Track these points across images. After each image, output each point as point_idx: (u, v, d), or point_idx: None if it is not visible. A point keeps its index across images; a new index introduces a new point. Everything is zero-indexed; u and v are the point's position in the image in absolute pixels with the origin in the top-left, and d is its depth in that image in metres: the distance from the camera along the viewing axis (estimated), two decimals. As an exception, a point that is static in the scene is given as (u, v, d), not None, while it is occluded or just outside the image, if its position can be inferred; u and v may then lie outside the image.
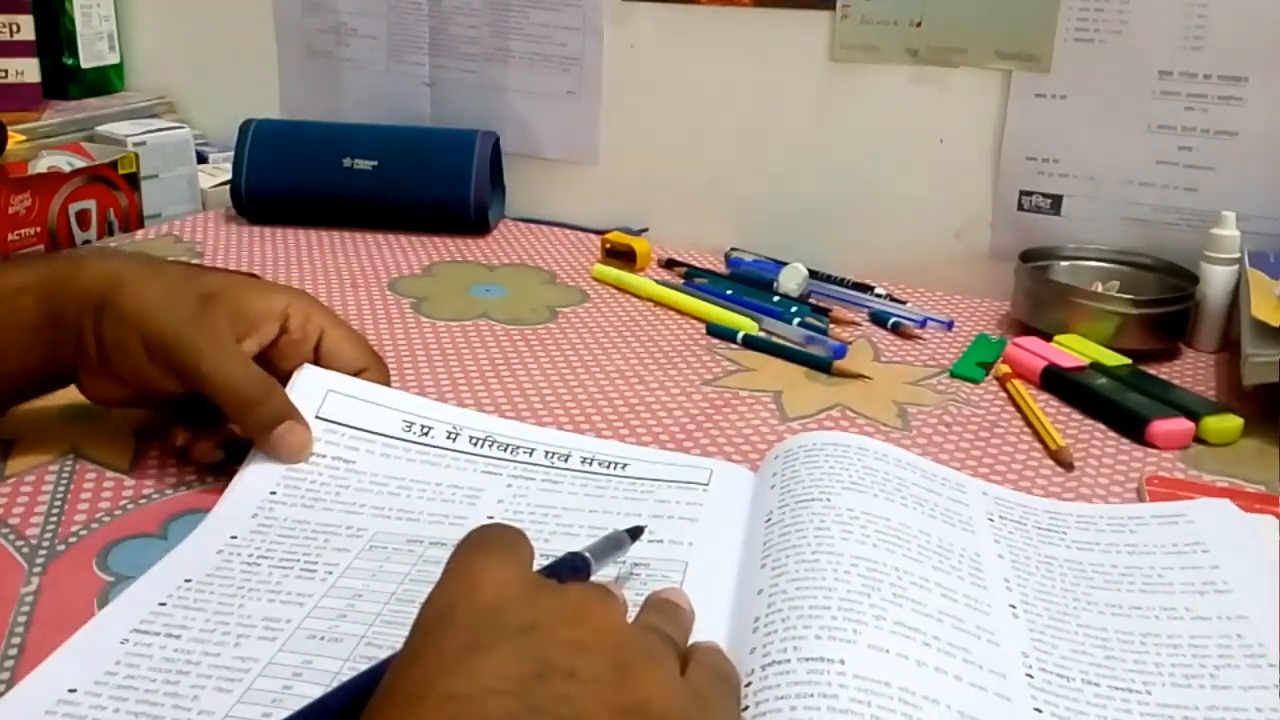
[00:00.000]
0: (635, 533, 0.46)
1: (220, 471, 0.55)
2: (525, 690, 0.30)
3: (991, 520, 0.51)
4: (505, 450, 0.56)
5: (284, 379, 0.56)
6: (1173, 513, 0.52)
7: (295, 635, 0.41)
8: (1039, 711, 0.38)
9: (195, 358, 0.52)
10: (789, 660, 0.37)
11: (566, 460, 0.56)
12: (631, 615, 0.40)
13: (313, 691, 0.38)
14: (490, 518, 0.50)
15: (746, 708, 0.36)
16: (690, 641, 0.39)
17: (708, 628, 0.42)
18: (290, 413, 0.54)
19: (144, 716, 0.37)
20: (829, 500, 0.47)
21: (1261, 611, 0.44)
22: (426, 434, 0.56)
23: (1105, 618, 0.45)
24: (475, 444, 0.56)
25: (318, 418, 0.55)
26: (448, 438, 0.56)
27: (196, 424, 0.56)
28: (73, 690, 0.38)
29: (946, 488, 0.52)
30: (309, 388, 0.56)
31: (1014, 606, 0.44)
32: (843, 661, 0.37)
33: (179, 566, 0.45)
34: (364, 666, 0.39)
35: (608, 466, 0.55)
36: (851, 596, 0.40)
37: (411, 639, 0.33)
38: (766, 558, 0.45)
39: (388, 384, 0.61)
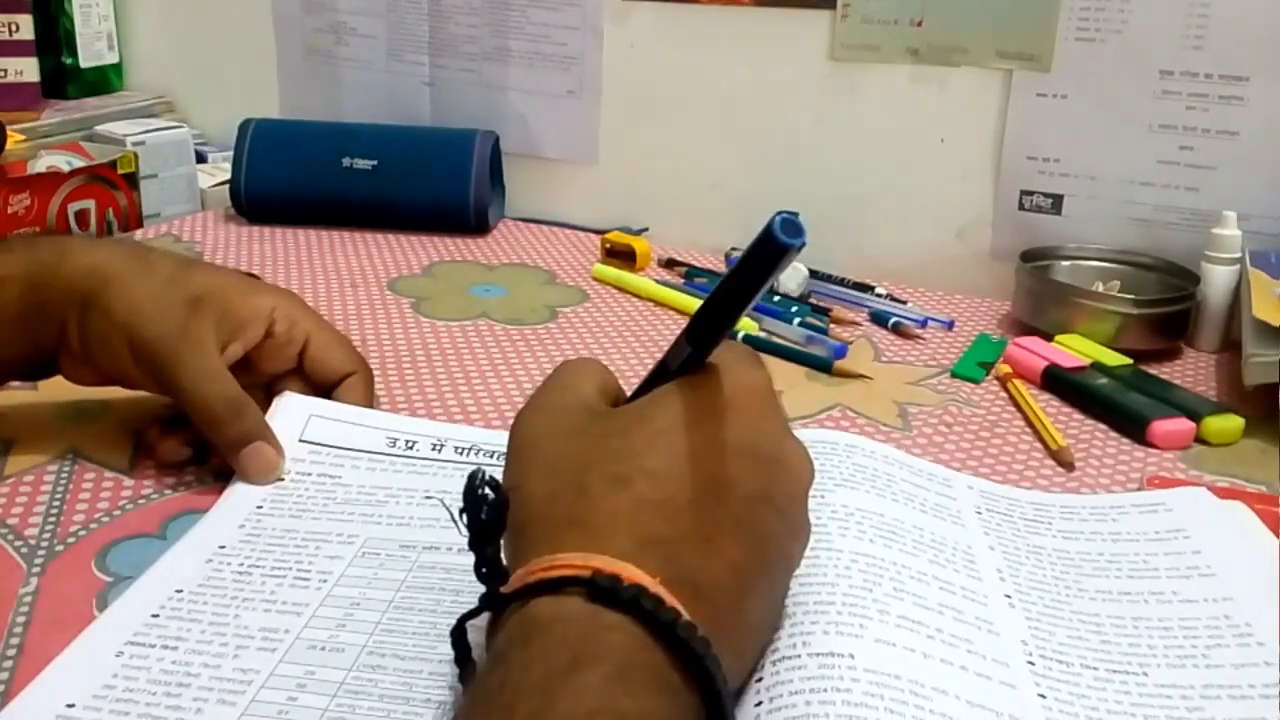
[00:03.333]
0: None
1: (218, 470, 0.55)
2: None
3: (979, 513, 0.52)
4: (492, 457, 0.56)
5: (269, 382, 0.56)
6: (1152, 502, 0.54)
7: (295, 645, 0.41)
8: (1043, 697, 0.39)
9: (175, 371, 0.52)
10: (799, 655, 0.38)
11: None
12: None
13: (317, 702, 0.38)
14: None
15: (760, 703, 0.36)
16: None
17: None
18: (260, 434, 0.53)
19: None
20: (823, 497, 0.48)
21: (1247, 593, 0.45)
22: (411, 448, 0.56)
23: (1097, 604, 0.46)
24: (461, 453, 0.56)
25: (301, 441, 0.55)
26: (433, 449, 0.56)
27: (173, 420, 0.56)
28: (70, 705, 0.37)
29: (934, 482, 0.53)
30: (291, 413, 0.56)
31: (1009, 596, 0.45)
32: (852, 656, 0.37)
33: (168, 577, 0.45)
34: (367, 676, 0.39)
35: None
36: (854, 592, 0.41)
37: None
38: None
39: (372, 389, 0.60)
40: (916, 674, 0.37)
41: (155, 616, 0.42)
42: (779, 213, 0.33)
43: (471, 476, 0.35)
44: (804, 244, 0.33)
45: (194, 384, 0.52)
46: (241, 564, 0.46)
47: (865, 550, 0.44)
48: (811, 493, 0.48)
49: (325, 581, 0.45)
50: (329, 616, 0.43)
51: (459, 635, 0.35)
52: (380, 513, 0.51)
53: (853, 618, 0.39)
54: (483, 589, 0.34)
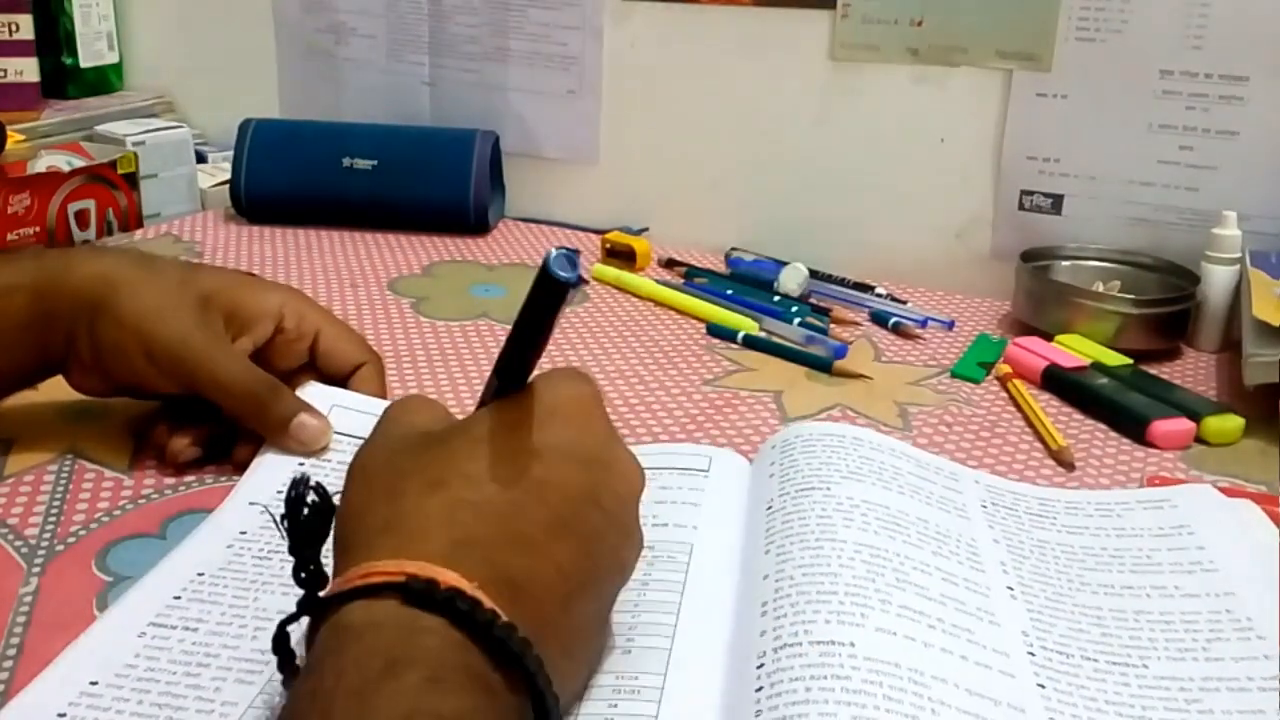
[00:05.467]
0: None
1: (218, 471, 0.55)
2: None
3: (985, 507, 0.52)
4: None
5: (281, 378, 0.56)
6: (1158, 498, 0.54)
7: None
8: (1042, 687, 0.40)
9: (205, 365, 0.52)
10: (800, 643, 0.38)
11: None
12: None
13: None
14: None
15: (761, 688, 0.37)
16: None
17: (714, 609, 0.43)
18: (301, 406, 0.54)
19: (167, 708, 0.37)
20: (829, 489, 0.48)
21: (1249, 587, 0.46)
22: None
23: (1099, 597, 0.46)
24: None
25: None
26: None
27: (178, 422, 0.56)
28: (94, 683, 0.38)
29: (940, 476, 0.54)
30: (315, 403, 0.57)
31: (1011, 589, 0.46)
32: (853, 644, 0.38)
33: (190, 561, 0.46)
34: None
35: None
36: (857, 582, 0.41)
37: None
38: (770, 544, 0.45)
39: (384, 378, 0.61)
40: (916, 662, 0.38)
41: (177, 598, 0.43)
42: (557, 248, 0.34)
43: (294, 482, 0.35)
44: (580, 279, 0.34)
45: (228, 374, 0.53)
46: (262, 549, 0.47)
47: (869, 541, 0.45)
48: (817, 484, 0.48)
49: None
50: None
51: (281, 640, 0.34)
52: None
53: (855, 607, 0.40)
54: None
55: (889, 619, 0.40)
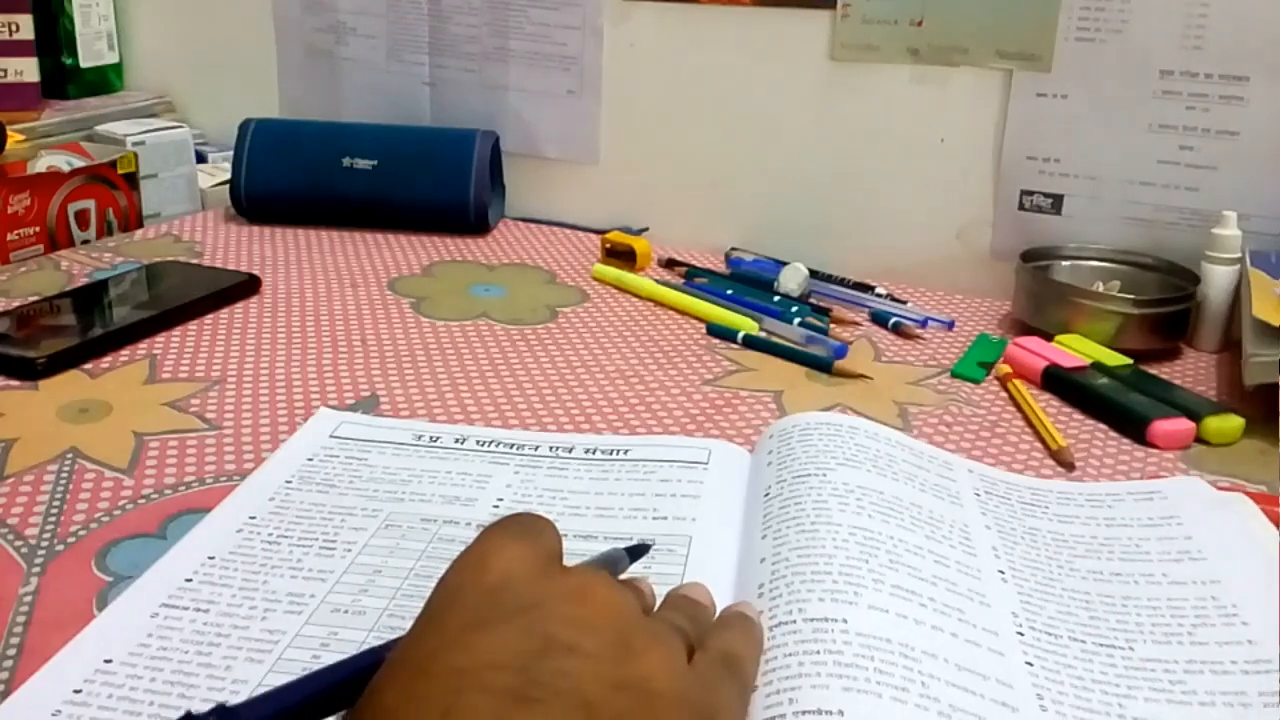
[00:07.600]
0: (636, 552, 0.42)
1: (218, 471, 0.55)
2: (526, 665, 0.30)
3: (978, 495, 0.53)
4: (511, 447, 0.58)
5: None
6: (1147, 489, 0.55)
7: (320, 609, 0.43)
8: (1030, 665, 0.40)
9: None
10: (795, 621, 0.39)
11: (570, 451, 0.57)
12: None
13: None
14: (499, 499, 0.52)
15: None
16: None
17: (712, 594, 0.43)
18: None
19: (180, 686, 0.38)
20: (825, 475, 0.49)
21: (1235, 576, 0.47)
22: (435, 441, 0.58)
23: (1088, 583, 0.47)
24: (482, 445, 0.58)
25: (331, 437, 0.58)
26: (456, 442, 0.58)
27: None
28: (108, 661, 0.39)
29: (934, 464, 0.55)
30: (325, 419, 0.60)
31: (1002, 572, 0.46)
32: (845, 621, 0.39)
33: (201, 545, 0.47)
34: (389, 636, 0.40)
35: (610, 453, 0.57)
36: (850, 563, 0.42)
37: (420, 617, 0.33)
38: (767, 529, 0.46)
39: None
40: (907, 638, 0.38)
41: (189, 581, 0.44)
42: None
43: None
44: None
45: None
46: (270, 534, 0.48)
47: (863, 525, 0.45)
48: (814, 470, 0.50)
49: (350, 551, 0.47)
50: (352, 583, 0.45)
51: None
52: (404, 490, 0.53)
53: (848, 586, 0.41)
54: None
55: (881, 597, 0.40)
